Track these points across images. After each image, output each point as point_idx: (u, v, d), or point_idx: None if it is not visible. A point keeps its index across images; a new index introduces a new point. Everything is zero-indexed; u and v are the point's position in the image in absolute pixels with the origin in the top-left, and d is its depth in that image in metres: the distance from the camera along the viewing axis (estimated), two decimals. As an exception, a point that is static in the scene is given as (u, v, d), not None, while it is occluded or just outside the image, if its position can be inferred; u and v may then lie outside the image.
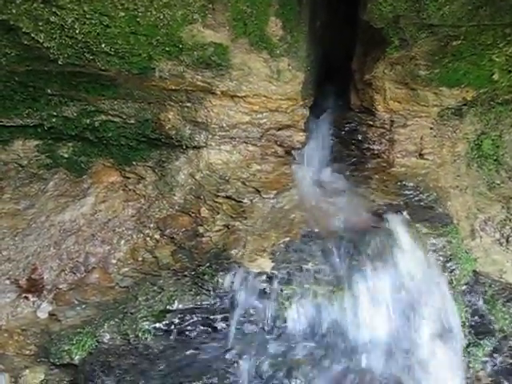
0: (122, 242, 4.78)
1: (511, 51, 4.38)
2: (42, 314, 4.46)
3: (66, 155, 4.92)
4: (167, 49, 4.02)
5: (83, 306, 4.46)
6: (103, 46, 3.85)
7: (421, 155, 5.15)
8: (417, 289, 4.12)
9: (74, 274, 4.66)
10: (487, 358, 4.49)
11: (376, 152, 5.16)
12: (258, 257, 4.23)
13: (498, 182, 5.27)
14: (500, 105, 5.13)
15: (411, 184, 4.97)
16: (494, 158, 5.26)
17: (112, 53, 3.91)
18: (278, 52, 4.43)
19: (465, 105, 5.01)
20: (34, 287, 4.57)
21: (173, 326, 4.06)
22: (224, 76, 4.33)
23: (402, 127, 5.08)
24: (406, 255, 4.17)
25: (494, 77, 4.60)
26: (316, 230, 4.40)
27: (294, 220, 4.50)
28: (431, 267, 4.28)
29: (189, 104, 4.52)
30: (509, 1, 3.95)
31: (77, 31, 3.73)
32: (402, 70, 4.67)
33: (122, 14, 3.75)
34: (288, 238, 4.35)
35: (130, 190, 4.94)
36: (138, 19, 3.80)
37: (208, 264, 4.25)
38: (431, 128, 5.12)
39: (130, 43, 3.90)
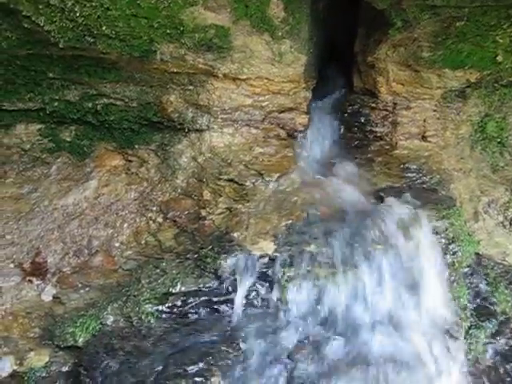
0: (125, 225, 4.80)
1: (515, 32, 4.37)
2: (46, 297, 4.50)
3: (68, 139, 4.92)
4: (168, 31, 4.01)
5: (87, 289, 4.49)
6: (104, 28, 3.84)
7: (424, 138, 5.14)
8: (416, 269, 4.14)
9: (78, 257, 4.68)
10: (489, 340, 4.50)
11: (379, 134, 5.16)
12: (261, 239, 4.24)
13: (502, 164, 5.26)
14: (504, 87, 5.11)
15: (414, 166, 4.98)
16: (498, 140, 5.25)
17: (113, 36, 3.90)
18: (279, 34, 4.42)
19: (468, 87, 4.99)
20: (37, 270, 4.60)
21: (175, 309, 4.09)
22: (225, 58, 4.32)
23: (405, 109, 5.08)
24: (409, 237, 4.18)
25: (497, 58, 4.58)
26: (318, 213, 4.41)
27: (296, 202, 4.51)
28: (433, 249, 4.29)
29: (191, 87, 4.52)
30: (512, -20, 3.93)
31: (77, 14, 3.72)
32: (405, 51, 4.66)
33: (123, -4, 3.75)
34: (290, 221, 4.36)
35: (132, 173, 4.95)
36: (139, 1, 3.79)
37: (210, 247, 4.26)
38: (434, 110, 5.11)
39: (131, 26, 3.89)
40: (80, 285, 4.53)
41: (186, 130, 4.74)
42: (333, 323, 3.97)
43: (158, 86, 4.51)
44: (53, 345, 4.25)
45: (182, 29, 4.02)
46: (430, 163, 5.05)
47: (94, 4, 3.71)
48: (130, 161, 4.97)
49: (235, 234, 4.29)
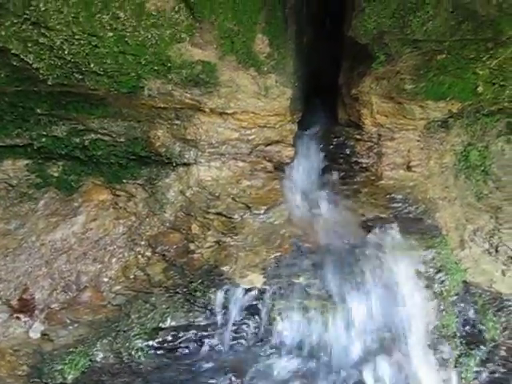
0: (114, 259, 4.78)
1: (494, 64, 4.46)
2: (34, 334, 4.45)
3: (56, 174, 4.92)
4: (156, 68, 4.06)
5: (75, 325, 4.46)
6: (92, 65, 3.88)
7: (409, 167, 5.19)
8: (407, 302, 4.16)
9: (66, 293, 4.65)
10: (479, 368, 4.52)
11: (364, 165, 5.21)
12: (250, 272, 4.25)
13: (486, 192, 5.33)
14: (485, 116, 5.20)
15: (400, 196, 5.02)
16: (482, 168, 5.32)
17: (101, 72, 3.94)
18: (265, 69, 4.49)
19: (451, 117, 5.08)
20: (25, 307, 4.56)
21: (166, 344, 4.07)
22: (212, 93, 4.37)
23: (390, 140, 5.14)
24: (396, 269, 4.21)
25: (478, 89, 4.67)
26: (306, 245, 4.44)
27: (284, 235, 4.53)
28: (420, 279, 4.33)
29: (178, 121, 4.56)
30: (489, 16, 4.03)
31: (66, 52, 3.76)
32: (388, 84, 4.74)
33: (111, 34, 3.79)
34: (279, 253, 4.38)
35: (120, 207, 4.95)
36: (127, 39, 3.84)
37: (200, 281, 4.27)
38: (418, 140, 5.17)
39: (119, 63, 3.93)
40: (69, 321, 4.49)
41: (174, 164, 4.76)
42: (323, 356, 3.98)
43: (145, 121, 4.55)
44: (41, 383, 4.21)
45: (169, 65, 4.07)
46: (416, 193, 5.09)
47: (82, 42, 3.75)
48: (118, 195, 4.97)
49: (224, 268, 4.30)
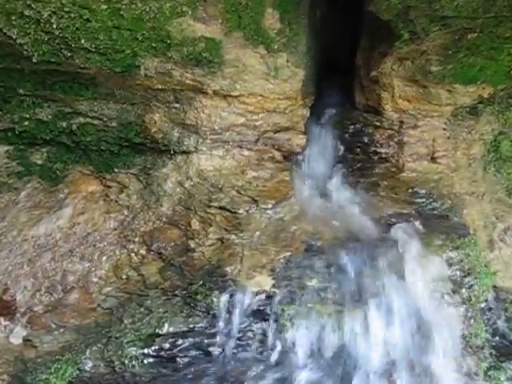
0: (104, 258, 4.81)
1: (532, 44, 4.47)
2: (16, 340, 4.48)
3: (39, 162, 4.94)
4: (154, 44, 4.07)
5: (61, 330, 4.48)
6: (83, 41, 3.90)
7: (433, 159, 5.21)
8: (430, 308, 4.19)
9: (51, 294, 4.68)
10: (510, 383, 4.54)
11: (384, 156, 5.23)
12: (257, 274, 4.27)
13: (518, 186, 5.36)
14: (520, 102, 5.22)
15: (423, 191, 5.05)
16: (514, 160, 5.35)
17: (92, 49, 3.96)
18: (275, 47, 4.50)
19: (481, 103, 5.09)
20: (5, 309, 4.58)
21: (163, 352, 4.09)
22: (216, 74, 4.38)
23: (413, 128, 5.16)
24: (419, 271, 4.23)
25: (512, 72, 4.69)
26: (320, 244, 4.46)
27: (295, 232, 4.55)
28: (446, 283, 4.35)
29: (177, 105, 4.57)
30: (530, -10, 4.04)
31: (54, 26, 3.77)
32: (412, 65, 4.75)
33: (104, 6, 3.81)
34: (289, 253, 4.39)
35: (111, 200, 4.97)
36: (122, 12, 3.86)
37: (201, 282, 4.28)
38: (444, 129, 5.19)
39: (113, 38, 3.95)
40: (54, 325, 4.52)
41: (172, 152, 4.78)
42: (337, 367, 4.00)
43: (140, 104, 4.57)
44: (23, 394, 4.23)
45: (168, 42, 4.09)
46: (441, 187, 5.12)
47: (72, 15, 3.77)
48: (109, 186, 5.00)
49: (228, 268, 4.32)
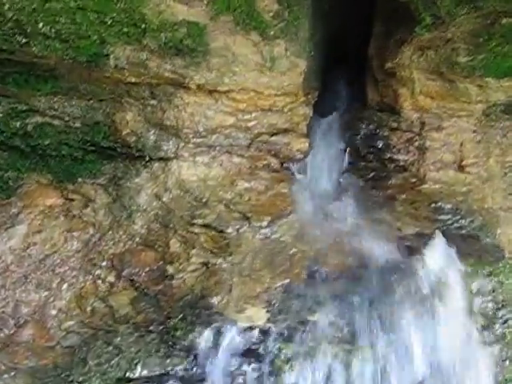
0: (65, 285, 4.81)
1: None
2: (-43, 385, 4.49)
3: (-13, 170, 4.96)
4: (125, 29, 4.11)
5: (12, 374, 4.48)
6: (40, 25, 3.92)
7: (461, 167, 5.24)
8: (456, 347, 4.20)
9: (0, 329, 4.68)
10: None
11: (402, 164, 5.26)
12: (248, 306, 4.29)
13: None
14: None
15: (449, 206, 5.07)
16: (558, 169, 5.37)
17: (52, 35, 3.98)
18: (271, 33, 4.54)
19: (518, 100, 5.13)
20: None
21: (136, 400, 4.11)
22: (200, 65, 4.42)
23: (436, 130, 5.19)
24: (444, 302, 4.24)
25: (556, 64, 4.73)
26: (324, 270, 4.47)
27: (294, 256, 4.57)
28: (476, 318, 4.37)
29: (153, 102, 4.61)
30: None
31: (6, 7, 3.79)
32: (436, 55, 4.79)
33: (66, -17, 3.85)
34: (287, 280, 4.41)
35: (74, 216, 4.97)
36: (88, -9, 3.91)
37: (181, 316, 4.29)
38: (474, 131, 5.22)
39: (77, 22, 3.97)
40: (3, 367, 4.52)
41: (147, 159, 4.81)
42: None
43: (109, 101, 4.59)
44: None
45: (143, 26, 4.12)
46: (470, 201, 5.14)
47: (28, -6, 3.80)
48: (71, 199, 5.00)
49: (214, 299, 4.34)
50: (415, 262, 4.45)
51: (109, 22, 4.04)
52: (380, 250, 4.63)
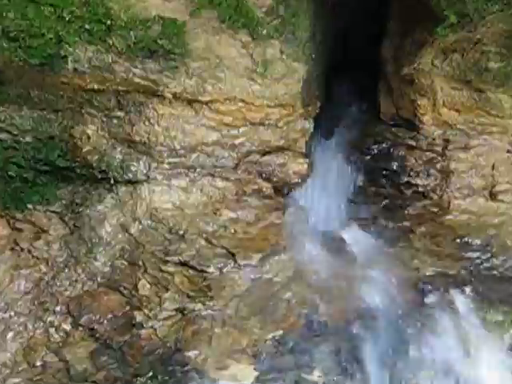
0: (10, 334, 4.80)
1: None
2: None
3: None
4: (87, 26, 4.13)
5: None
6: (-17, 21, 3.95)
7: (493, 194, 5.25)
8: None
9: None
10: None
11: (421, 189, 5.27)
12: (232, 361, 4.28)
13: None
14: None
15: (477, 241, 5.08)
16: None
17: (-2, 33, 4.01)
18: (264, 32, 4.56)
19: (562, 115, 5.15)
20: None
21: None
22: (177, 70, 4.44)
23: (463, 150, 5.20)
24: (472, 359, 4.24)
25: None
26: (325, 319, 4.47)
27: (289, 301, 4.57)
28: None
29: (120, 113, 4.62)
30: None
31: None
32: (462, 60, 4.81)
33: (16, -28, 3.87)
34: (280, 331, 4.41)
35: (22, 249, 4.96)
36: (42, -20, 3.93)
37: (151, 373, 4.29)
38: (508, 151, 5.23)
39: (28, 18, 3.99)
40: None
41: (112, 182, 4.81)
42: None
43: (67, 112, 4.59)
44: None
45: (109, 23, 4.13)
46: (503, 235, 5.15)
47: (-32, -16, 3.82)
48: (19, 229, 5.00)
49: (191, 353, 4.33)
50: (436, 312, 4.43)
51: (67, 18, 4.06)
52: (393, 295, 4.63)
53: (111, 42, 4.22)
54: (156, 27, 4.23)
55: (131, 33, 4.20)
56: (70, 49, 4.20)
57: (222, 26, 4.43)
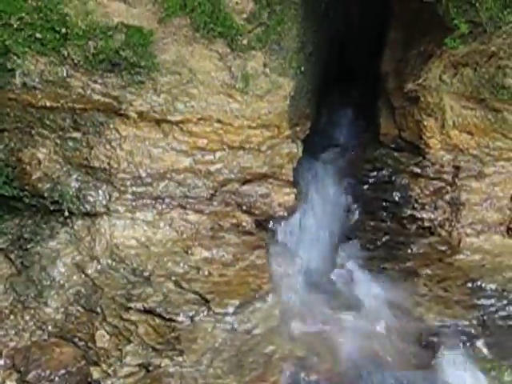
0: None
1: None
2: None
3: None
4: (39, 35, 4.15)
5: None
6: None
7: (511, 231, 5.27)
8: None
9: None
10: None
11: (427, 224, 5.30)
12: (204, 428, 4.30)
13: None
14: None
15: (492, 286, 5.10)
16: None
17: None
18: (244, 42, 4.59)
19: None
20: None
21: None
22: (143, 85, 4.48)
23: (476, 179, 5.24)
24: None
25: None
26: (314, 377, 4.48)
27: (271, 356, 4.57)
28: None
29: (77, 134, 4.64)
30: None
31: None
32: (475, 76, 4.85)
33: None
34: (261, 392, 4.43)
35: (-40, 292, 4.99)
36: (-15, -18, 3.96)
37: None
38: (529, 180, 5.28)
39: (-31, 24, 4.04)
40: None
41: (66, 214, 4.83)
42: None
43: (14, 132, 4.61)
44: None
45: (64, 31, 4.16)
46: (523, 279, 5.17)
47: None
48: (-44, 269, 5.02)
49: (156, 418, 4.35)
50: (442, 372, 4.45)
51: (15, 25, 4.09)
52: (392, 348, 4.65)
53: (66, 53, 4.24)
54: (119, 36, 4.26)
55: (90, 43, 4.23)
56: (19, 61, 4.23)
57: (196, 35, 4.45)
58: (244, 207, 4.98)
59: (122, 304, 4.72)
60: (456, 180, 5.23)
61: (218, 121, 4.70)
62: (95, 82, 4.37)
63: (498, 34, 4.54)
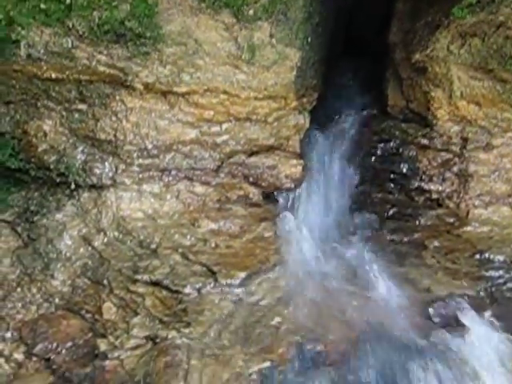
0: (-48, 365, 4.81)
1: None
2: None
3: None
4: (43, 6, 4.13)
5: None
6: None
7: (519, 203, 5.27)
8: None
9: None
10: None
11: (435, 196, 5.30)
12: (212, 400, 4.29)
13: None
14: None
15: (500, 257, 5.09)
16: None
17: None
18: (250, 12, 4.57)
19: None
20: None
21: None
22: (149, 56, 4.46)
23: (484, 150, 5.22)
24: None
25: None
26: (322, 348, 4.46)
27: (279, 328, 4.56)
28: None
29: (82, 106, 4.63)
30: None
31: None
32: (483, 46, 4.82)
33: None
34: (268, 363, 4.40)
35: (-33, 265, 4.99)
36: (-13, -50, 3.95)
37: (116, 413, 4.29)
38: (537, 151, 5.26)
39: (-28, -4, 4.01)
40: None
41: (73, 187, 4.82)
42: None
43: (20, 104, 4.60)
44: None
45: (68, 1, 4.14)
46: (531, 250, 5.15)
47: None
48: (-38, 242, 5.02)
49: (164, 389, 4.34)
50: (448, 341, 4.44)
51: (19, -4, 4.05)
52: (400, 320, 4.63)
53: (71, 24, 4.23)
54: (124, 7, 4.24)
55: (94, 13, 4.21)
56: (23, 32, 4.21)
57: (202, 5, 4.44)
58: (251, 179, 4.97)
59: (129, 276, 4.71)
60: (464, 151, 5.21)
61: (225, 92, 4.68)
62: (100, 53, 4.34)
63: (506, 4, 4.51)
